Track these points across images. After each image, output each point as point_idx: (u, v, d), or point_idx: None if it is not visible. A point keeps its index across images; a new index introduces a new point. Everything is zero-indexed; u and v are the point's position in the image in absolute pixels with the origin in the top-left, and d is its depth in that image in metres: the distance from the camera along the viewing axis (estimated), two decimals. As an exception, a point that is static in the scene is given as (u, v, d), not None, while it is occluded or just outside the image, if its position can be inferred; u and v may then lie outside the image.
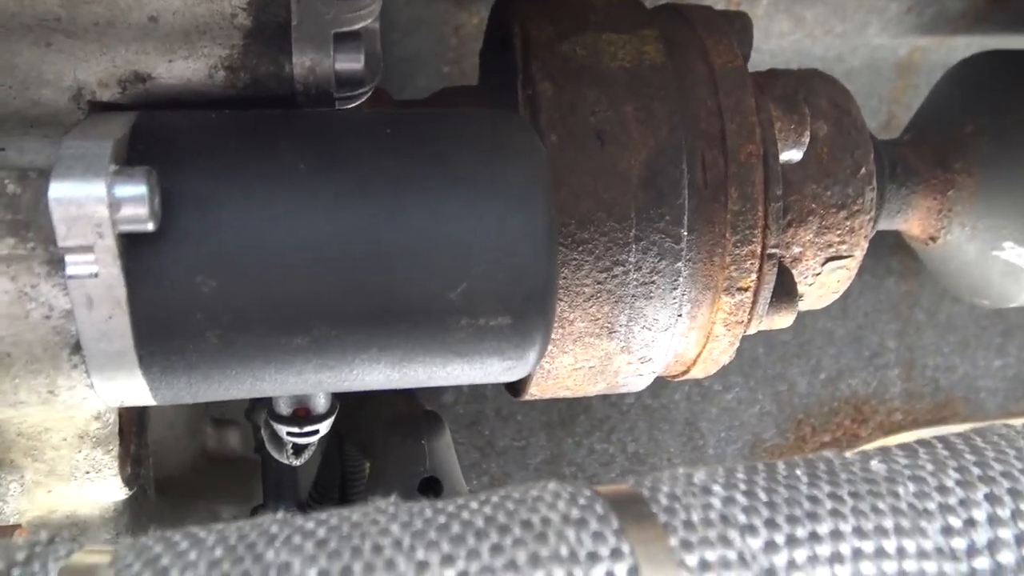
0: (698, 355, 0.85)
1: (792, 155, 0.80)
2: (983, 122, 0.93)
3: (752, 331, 0.84)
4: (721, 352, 0.84)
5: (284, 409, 0.71)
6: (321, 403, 0.72)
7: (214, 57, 0.63)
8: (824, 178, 0.84)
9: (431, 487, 0.84)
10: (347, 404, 0.96)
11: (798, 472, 0.55)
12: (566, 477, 1.25)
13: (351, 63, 0.65)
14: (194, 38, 0.62)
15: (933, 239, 0.98)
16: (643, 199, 0.74)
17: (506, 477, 1.24)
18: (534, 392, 0.84)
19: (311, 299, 0.58)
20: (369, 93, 0.70)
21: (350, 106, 0.70)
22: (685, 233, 0.75)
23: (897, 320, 1.30)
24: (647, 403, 1.28)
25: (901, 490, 0.53)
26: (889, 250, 1.25)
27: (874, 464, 0.56)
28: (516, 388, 0.87)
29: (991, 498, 0.52)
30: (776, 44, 1.16)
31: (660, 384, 1.29)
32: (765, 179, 0.77)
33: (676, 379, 0.90)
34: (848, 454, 0.59)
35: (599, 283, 0.75)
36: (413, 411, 0.91)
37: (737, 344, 0.84)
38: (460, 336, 0.60)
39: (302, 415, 0.71)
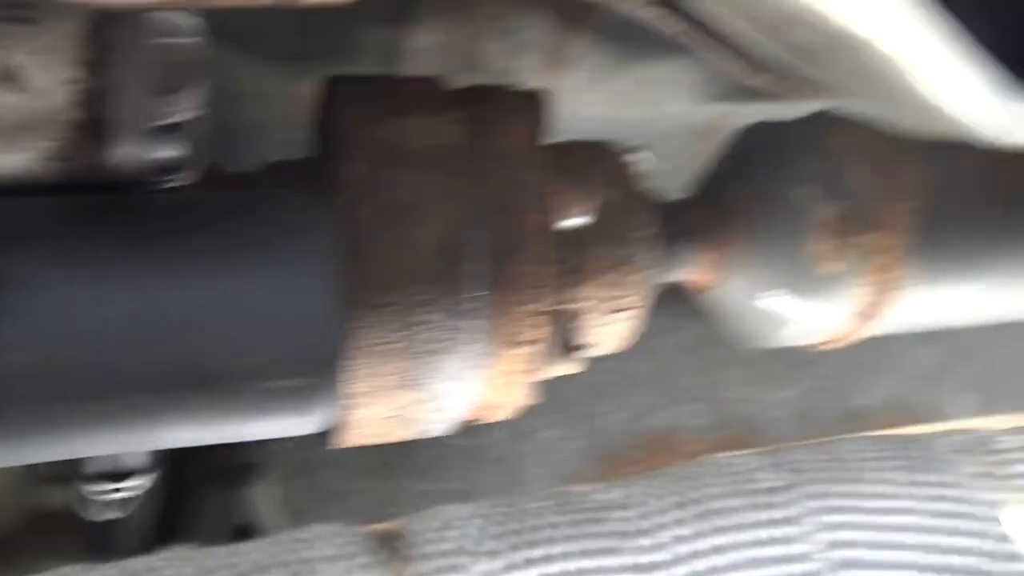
0: (496, 401, 0.93)
1: (577, 221, 0.90)
2: (751, 185, 1.06)
3: (543, 378, 0.93)
4: (516, 398, 0.93)
5: (103, 466, 0.75)
6: (139, 460, 0.76)
7: (43, 149, 0.68)
8: (609, 239, 0.94)
9: (246, 535, 0.89)
10: (171, 458, 0.99)
11: (545, 504, 0.64)
12: (388, 518, 1.31)
13: (169, 152, 0.70)
14: (24, 132, 0.67)
15: (711, 288, 1.10)
16: (442, 265, 0.82)
17: (336, 521, 1.29)
18: (346, 440, 0.91)
19: (123, 368, 0.63)
20: (193, 176, 0.75)
21: (177, 186, 0.75)
22: (479, 294, 0.83)
23: (695, 359, 1.43)
24: (465, 443, 1.35)
25: (620, 513, 0.63)
26: (688, 295, 1.38)
27: (596, 495, 0.66)
28: (331, 437, 0.93)
29: (679, 522, 0.62)
30: (590, 112, 1.27)
31: (481, 425, 1.36)
32: (550, 244, 0.86)
33: (479, 423, 0.99)
34: (582, 487, 0.68)
35: (401, 341, 0.82)
36: (232, 461, 0.96)
37: (530, 390, 0.93)
38: (259, 397, 0.67)
39: (120, 472, 0.75)
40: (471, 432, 1.36)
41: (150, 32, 0.71)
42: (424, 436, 0.95)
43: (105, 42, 0.70)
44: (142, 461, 0.75)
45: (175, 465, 0.95)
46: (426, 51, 1.17)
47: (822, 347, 1.16)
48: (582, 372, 1.32)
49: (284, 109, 1.17)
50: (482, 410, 0.94)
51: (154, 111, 0.70)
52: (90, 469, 0.75)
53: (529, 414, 1.38)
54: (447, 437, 1.34)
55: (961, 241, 1.05)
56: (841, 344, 1.15)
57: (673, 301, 1.43)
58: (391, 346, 0.82)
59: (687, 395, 1.42)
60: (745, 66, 0.81)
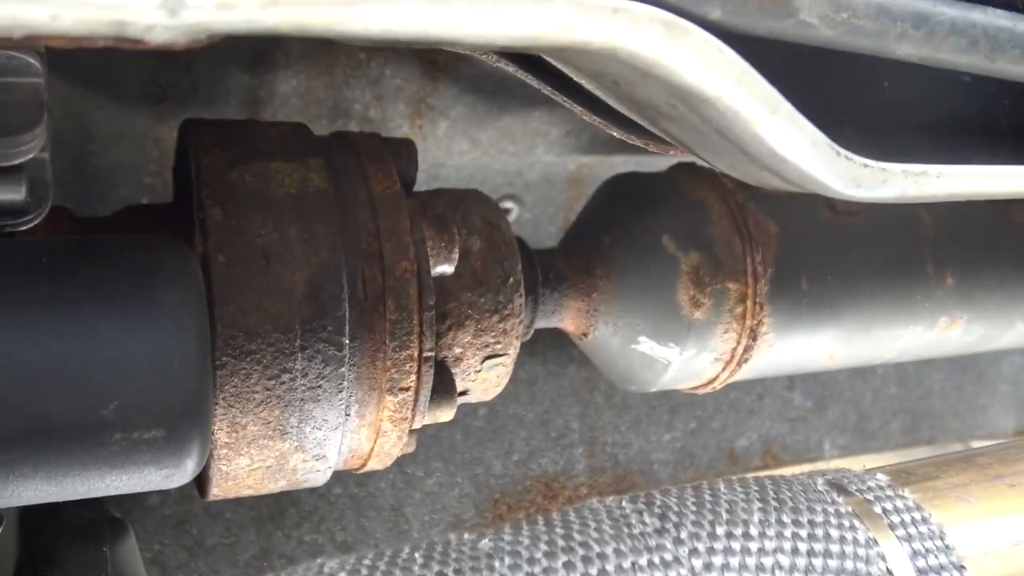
0: (371, 450, 0.93)
1: (444, 269, 0.91)
2: (617, 235, 1.09)
3: (417, 425, 0.93)
4: (392, 446, 0.93)
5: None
6: (-15, 517, 0.73)
7: None
8: (478, 287, 0.96)
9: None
10: (32, 516, 0.96)
11: (416, 555, 0.64)
12: (276, 570, 1.29)
13: (11, 195, 0.69)
14: None
15: (585, 335, 1.13)
16: (306, 312, 0.82)
17: (214, 575, 1.26)
18: (216, 492, 0.89)
19: (-38, 421, 0.61)
20: (36, 220, 0.74)
21: (21, 230, 0.74)
22: (347, 341, 0.83)
23: (579, 403, 1.46)
24: (354, 492, 1.35)
25: (497, 563, 0.64)
26: (569, 341, 1.41)
27: (483, 543, 0.66)
28: (201, 490, 0.92)
29: (568, 565, 0.64)
30: (459, 161, 1.29)
31: (366, 473, 1.36)
32: (419, 291, 0.87)
33: (357, 471, 0.98)
34: (466, 535, 0.69)
35: (268, 389, 0.82)
36: (96, 518, 0.93)
37: (405, 438, 0.93)
38: (115, 450, 0.65)
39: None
40: (358, 481, 1.35)
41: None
42: (300, 487, 0.94)
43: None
44: (-9, 517, 0.73)
45: (34, 519, 0.92)
46: (289, 97, 1.18)
47: (695, 391, 1.20)
48: (467, 418, 1.34)
49: (146, 153, 1.17)
50: (356, 459, 0.94)
51: (-7, 152, 0.69)
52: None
53: (415, 461, 1.38)
54: (335, 487, 1.34)
55: (815, 290, 1.11)
56: (713, 389, 1.19)
57: (556, 347, 1.47)
58: (254, 395, 0.81)
59: (570, 440, 1.45)
60: (601, 120, 0.84)
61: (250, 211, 0.82)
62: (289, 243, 0.82)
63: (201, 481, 0.90)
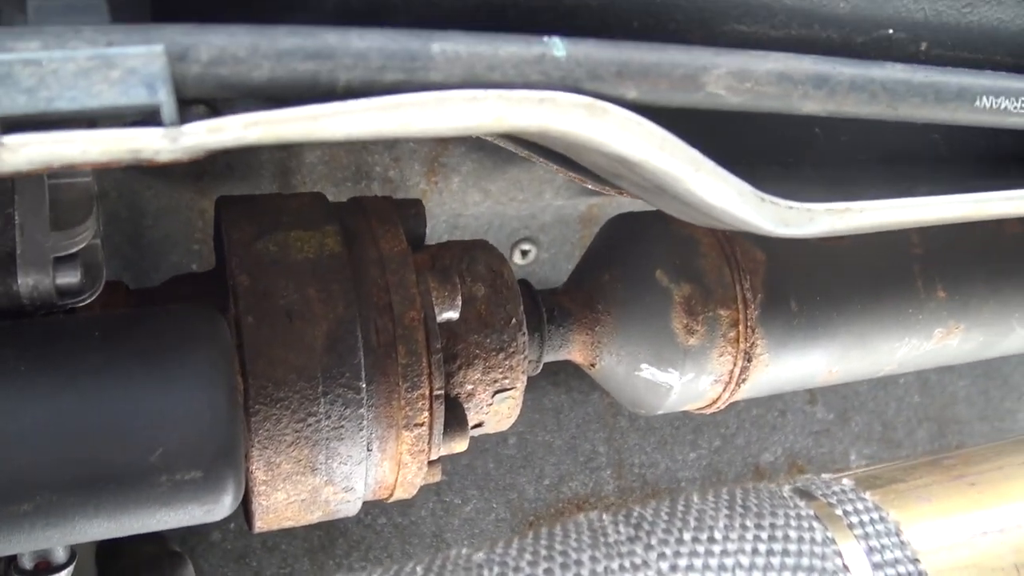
0: (396, 480, 1.04)
1: (450, 315, 1.02)
2: (616, 271, 1.19)
3: (434, 456, 1.04)
4: (413, 476, 1.04)
5: (27, 564, 0.85)
6: (60, 555, 0.86)
7: (-47, 282, 0.79)
8: (484, 328, 1.06)
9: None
10: (104, 552, 1.09)
11: (418, 568, 0.75)
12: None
13: (69, 279, 0.82)
14: (-65, 268, 0.78)
15: (593, 365, 1.23)
16: (327, 362, 0.93)
17: (274, 603, 1.38)
18: (260, 525, 1.01)
19: (33, 473, 0.73)
20: (91, 297, 0.87)
21: (80, 306, 0.87)
22: (364, 385, 0.95)
23: (604, 428, 1.55)
24: (397, 521, 1.46)
25: (486, 572, 0.74)
26: (591, 370, 1.51)
27: (476, 556, 0.76)
28: (248, 524, 1.03)
29: (547, 572, 0.73)
30: (475, 210, 1.41)
31: (408, 503, 1.47)
32: (427, 337, 0.98)
33: (386, 500, 1.09)
34: (465, 550, 0.79)
35: (297, 431, 0.93)
36: (158, 551, 1.06)
37: (425, 468, 1.03)
38: (162, 490, 0.77)
39: (43, 567, 0.85)
40: (401, 511, 1.47)
41: (44, 174, 0.83)
42: (335, 517, 1.05)
43: (3, 185, 0.82)
44: (64, 555, 0.85)
45: (105, 554, 1.05)
46: (316, 166, 1.31)
47: (702, 411, 1.28)
48: (498, 447, 1.44)
49: (192, 224, 1.30)
50: (383, 489, 1.05)
51: (53, 244, 0.82)
52: (16, 566, 0.85)
53: (452, 490, 1.49)
54: (380, 517, 1.45)
55: (806, 310, 1.19)
56: (718, 408, 1.27)
57: (579, 375, 1.56)
58: (285, 437, 0.93)
59: (598, 463, 1.54)
60: (577, 175, 0.94)
61: (274, 276, 0.94)
62: (309, 302, 0.94)
63: (247, 516, 1.02)
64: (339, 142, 0.62)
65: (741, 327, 1.15)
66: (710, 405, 1.26)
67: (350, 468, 0.98)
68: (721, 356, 1.16)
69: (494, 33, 0.63)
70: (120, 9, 0.59)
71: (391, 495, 1.07)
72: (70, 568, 0.87)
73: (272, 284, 0.94)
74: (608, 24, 0.72)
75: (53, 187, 0.84)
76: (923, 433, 1.74)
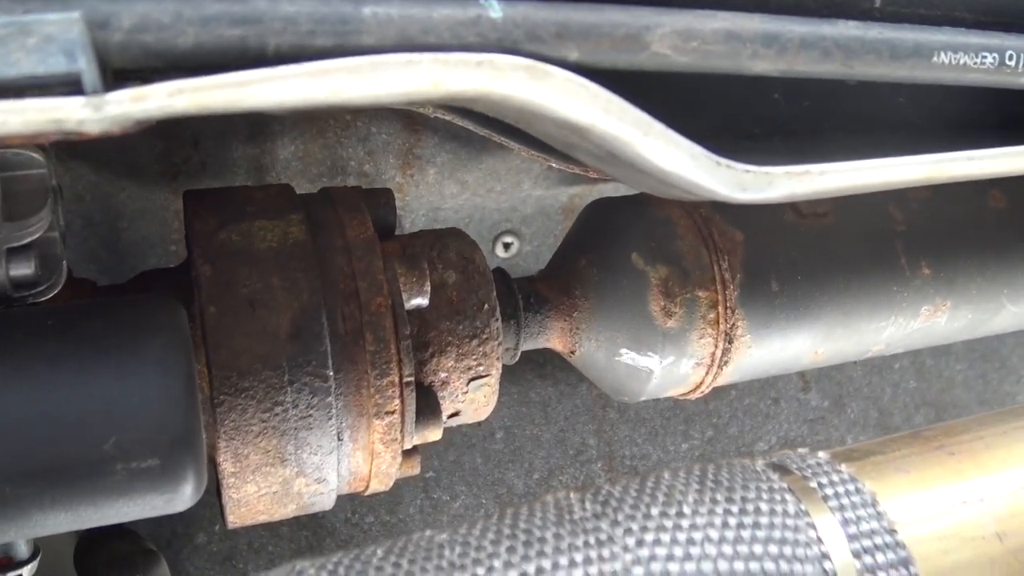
0: (370, 471, 1.02)
1: (419, 301, 1.01)
2: (592, 256, 1.18)
3: (408, 446, 1.02)
4: (388, 466, 1.02)
5: (-10, 559, 0.84)
6: (22, 550, 0.85)
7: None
8: (456, 315, 1.05)
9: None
10: (80, 550, 1.08)
11: (379, 551, 0.73)
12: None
13: (23, 270, 0.81)
14: None
15: (573, 352, 1.21)
16: (291, 350, 0.92)
17: (261, 605, 1.37)
18: (232, 520, 0.99)
19: (-12, 464, 0.72)
20: (51, 291, 0.86)
21: (41, 300, 0.86)
22: (331, 373, 0.93)
23: (593, 420, 1.53)
24: (385, 519, 1.44)
25: (447, 552, 0.72)
26: (578, 361, 1.49)
27: (439, 536, 0.75)
28: (223, 519, 1.02)
29: (510, 550, 0.72)
30: (453, 203, 1.40)
31: (396, 500, 1.45)
32: (395, 323, 0.97)
33: (363, 493, 1.07)
34: (428, 531, 0.78)
35: (264, 421, 0.92)
36: (132, 549, 1.05)
37: (400, 458, 1.02)
38: (118, 479, 0.76)
39: (4, 563, 0.84)
40: (389, 508, 1.45)
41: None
42: (310, 511, 1.04)
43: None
44: (27, 550, 0.84)
45: (80, 552, 1.04)
46: (290, 161, 1.30)
47: (686, 397, 1.27)
48: (485, 442, 1.43)
49: (168, 224, 1.29)
50: (358, 481, 1.04)
51: (5, 235, 0.81)
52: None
53: (440, 487, 1.47)
54: (367, 515, 1.43)
55: (787, 290, 1.17)
56: (702, 393, 1.25)
57: (566, 367, 1.54)
58: (252, 427, 0.91)
59: (588, 455, 1.52)
60: (540, 154, 0.93)
61: (236, 266, 0.93)
62: (272, 291, 0.93)
63: (221, 511, 1.01)
64: (269, 111, 0.61)
65: (721, 308, 1.14)
66: (694, 390, 1.24)
67: (321, 458, 0.97)
68: (701, 339, 1.15)
69: (428, -5, 0.62)
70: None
71: (367, 487, 1.05)
72: (33, 564, 0.85)
73: (235, 274, 0.93)
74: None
75: (7, 179, 0.83)
76: (921, 418, 1.72)
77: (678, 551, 0.74)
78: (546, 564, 0.71)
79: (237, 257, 0.94)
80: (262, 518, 1.02)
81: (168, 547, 1.32)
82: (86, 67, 0.54)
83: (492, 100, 0.65)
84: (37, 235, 0.82)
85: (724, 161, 0.73)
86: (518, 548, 0.72)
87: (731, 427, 1.61)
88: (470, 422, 1.13)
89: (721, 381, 1.22)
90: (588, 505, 0.77)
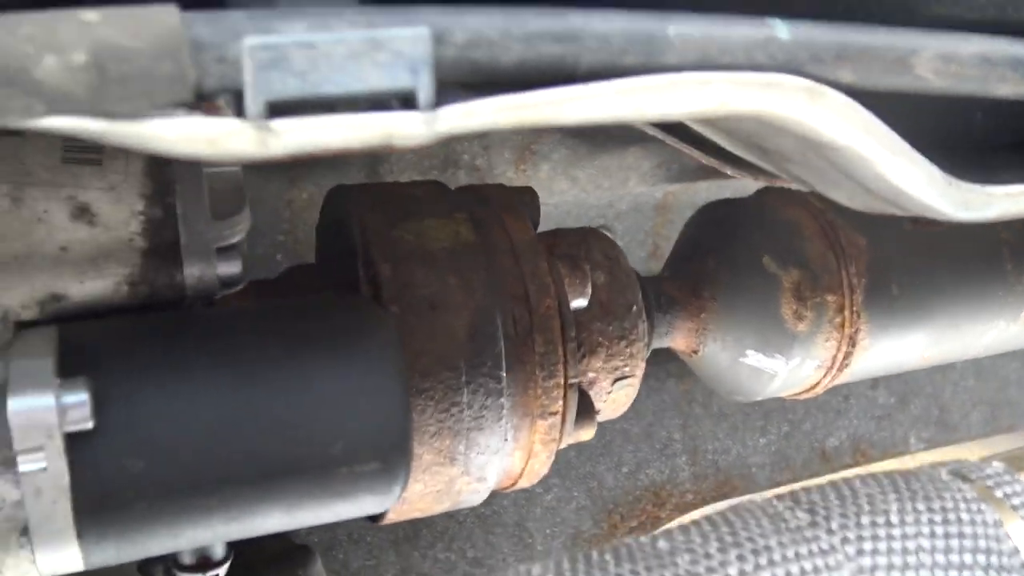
0: (523, 470, 1.03)
1: (579, 303, 1.01)
2: (720, 258, 1.19)
3: (563, 445, 1.03)
4: (541, 465, 1.03)
5: (188, 560, 0.83)
6: (219, 551, 0.84)
7: (118, 275, 0.77)
8: (605, 316, 1.06)
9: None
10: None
11: (607, 557, 0.74)
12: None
13: (231, 269, 0.81)
14: (100, 261, 0.76)
15: (695, 352, 1.23)
16: (469, 351, 0.92)
17: (361, 596, 1.37)
18: (391, 517, 1.00)
19: (219, 467, 0.72)
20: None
21: (217, 298, 0.85)
22: (504, 374, 0.94)
23: (679, 415, 1.55)
24: (480, 511, 1.45)
25: (679, 560, 0.73)
26: (666, 358, 1.50)
27: (660, 543, 0.76)
28: (375, 516, 1.02)
29: (740, 557, 0.73)
30: (559, 199, 1.40)
31: (491, 494, 1.46)
32: (562, 325, 0.98)
33: (506, 490, 1.08)
34: (643, 538, 0.79)
35: (440, 421, 0.92)
36: (287, 546, 1.04)
37: (553, 457, 1.03)
38: (341, 481, 0.76)
39: (203, 563, 0.83)
40: (484, 502, 1.46)
41: (202, 165, 0.82)
42: (460, 507, 1.05)
43: (164, 176, 0.81)
44: (222, 552, 0.84)
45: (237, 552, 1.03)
46: (403, 155, 1.29)
47: (796, 397, 1.29)
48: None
49: (279, 214, 1.28)
50: (510, 479, 1.04)
51: (215, 234, 0.80)
52: (176, 562, 0.83)
53: (534, 479, 1.48)
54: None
55: (905, 295, 1.19)
56: (815, 394, 1.28)
57: (654, 363, 1.56)
58: (429, 428, 0.92)
59: (673, 449, 1.54)
60: (704, 156, 0.94)
61: (413, 265, 0.93)
62: (450, 291, 0.93)
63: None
64: (573, 126, 0.61)
65: (847, 312, 1.16)
66: (809, 390, 1.26)
67: (487, 458, 0.97)
68: (827, 341, 1.17)
69: (719, 14, 0.63)
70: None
71: (515, 484, 1.06)
72: (226, 565, 0.85)
73: (412, 274, 0.93)
74: (814, 5, 0.71)
75: (208, 176, 0.82)
76: (977, 416, 1.77)
77: (896, 560, 0.76)
78: (780, 573, 0.73)
79: (413, 256, 0.93)
80: (416, 515, 1.02)
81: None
82: (425, 83, 0.54)
83: (761, 120, 0.66)
84: (243, 234, 0.82)
85: (954, 181, 0.75)
86: (747, 556, 0.73)
87: (805, 423, 1.65)
88: (604, 420, 1.15)
89: (837, 383, 1.25)
90: (799, 514, 0.79)
